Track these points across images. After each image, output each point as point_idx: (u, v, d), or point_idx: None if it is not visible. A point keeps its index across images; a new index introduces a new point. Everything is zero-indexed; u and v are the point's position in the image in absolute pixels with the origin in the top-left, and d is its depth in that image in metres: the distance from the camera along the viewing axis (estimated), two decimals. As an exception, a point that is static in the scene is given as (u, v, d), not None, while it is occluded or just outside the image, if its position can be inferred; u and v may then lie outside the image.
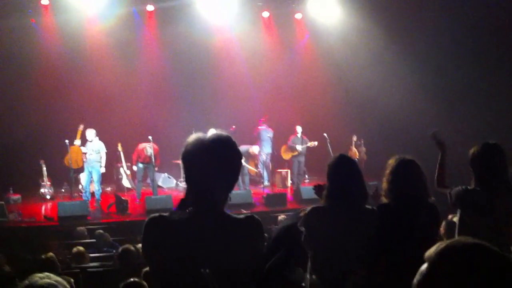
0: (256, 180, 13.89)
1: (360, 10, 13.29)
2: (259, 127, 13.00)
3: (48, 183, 11.72)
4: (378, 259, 3.23)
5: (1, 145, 11.70)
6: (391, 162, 3.50)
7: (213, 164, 1.95)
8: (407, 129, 12.26)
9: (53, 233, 9.04)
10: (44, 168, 11.56)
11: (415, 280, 1.20)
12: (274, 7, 14.33)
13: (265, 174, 12.88)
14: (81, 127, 11.07)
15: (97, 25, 13.15)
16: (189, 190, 2.01)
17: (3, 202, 10.02)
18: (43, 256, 5.29)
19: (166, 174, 13.63)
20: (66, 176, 11.78)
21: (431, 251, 1.19)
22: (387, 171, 3.48)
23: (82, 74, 13.16)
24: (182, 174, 2.06)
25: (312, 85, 14.86)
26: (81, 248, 6.65)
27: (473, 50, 12.14)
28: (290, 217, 3.92)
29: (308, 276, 3.33)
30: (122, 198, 10.73)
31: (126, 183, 12.59)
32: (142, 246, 2.05)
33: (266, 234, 2.49)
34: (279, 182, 13.74)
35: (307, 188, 10.88)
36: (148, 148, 11.31)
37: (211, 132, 2.03)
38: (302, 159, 13.23)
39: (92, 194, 11.33)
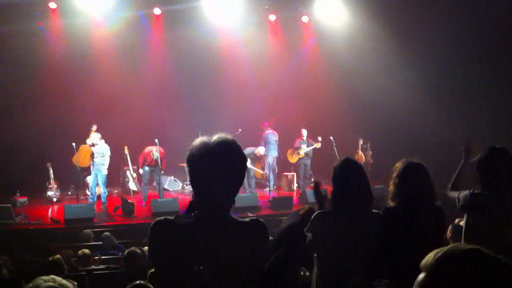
0: (262, 183, 13.89)
1: (366, 13, 13.26)
2: (266, 131, 13.01)
3: (55, 185, 11.78)
4: (382, 262, 3.23)
5: (8, 147, 11.75)
6: (398, 165, 3.50)
7: (218, 167, 1.95)
8: (414, 132, 12.24)
9: (59, 235, 9.09)
10: (51, 171, 11.61)
11: None
12: (280, 10, 14.31)
13: (271, 177, 12.87)
14: (95, 127, 11.16)
15: (104, 29, 13.23)
16: (194, 193, 2.01)
17: (10, 205, 10.08)
18: (50, 258, 5.30)
19: (172, 177, 13.64)
20: (72, 179, 11.82)
21: (428, 260, 1.19)
22: (394, 174, 3.48)
23: (88, 77, 13.22)
24: (188, 177, 2.06)
25: (318, 88, 14.83)
26: (86, 250, 6.66)
27: (475, 51, 12.17)
28: (290, 217, 3.92)
29: (314, 278, 3.33)
30: (128, 201, 10.76)
31: (132, 186, 12.63)
32: (148, 248, 2.06)
33: (271, 238, 2.48)
34: (285, 185, 13.73)
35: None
36: (155, 151, 11.35)
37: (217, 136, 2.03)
38: (308, 162, 13.20)
39: (99, 196, 11.38)
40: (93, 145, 11.14)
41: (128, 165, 12.30)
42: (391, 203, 3.50)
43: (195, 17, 13.37)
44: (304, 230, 3.29)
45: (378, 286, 3.20)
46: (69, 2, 12.41)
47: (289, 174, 13.80)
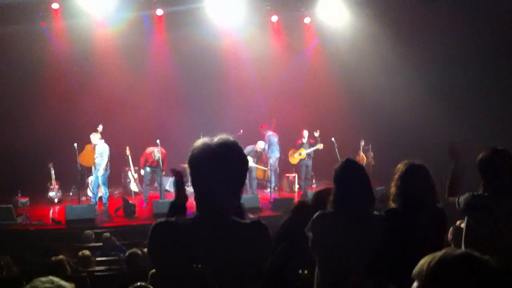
0: (263, 184, 13.89)
1: (368, 14, 13.28)
2: (268, 133, 13.01)
3: (56, 186, 11.78)
4: (382, 262, 3.22)
5: (10, 148, 11.77)
6: (400, 166, 3.49)
7: (218, 168, 1.95)
8: (416, 133, 12.22)
9: (60, 236, 9.09)
10: (53, 172, 11.62)
11: None
12: (282, 11, 14.31)
13: (272, 179, 12.86)
14: (100, 127, 11.15)
15: (106, 29, 13.24)
16: (195, 194, 2.01)
17: (11, 205, 10.09)
18: (53, 258, 5.30)
19: (173, 178, 13.60)
20: (74, 180, 11.82)
21: (421, 267, 1.20)
22: (396, 176, 3.47)
23: (91, 78, 13.24)
24: (189, 178, 2.07)
25: (320, 89, 14.83)
26: (86, 252, 6.64)
27: (476, 51, 12.19)
28: (283, 215, 3.94)
29: (315, 279, 3.32)
30: (130, 202, 10.76)
31: (133, 187, 12.63)
32: (148, 249, 2.06)
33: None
34: (286, 186, 13.73)
35: (314, 193, 10.82)
36: (156, 152, 11.36)
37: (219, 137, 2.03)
38: (310, 163, 13.18)
39: (100, 197, 11.38)
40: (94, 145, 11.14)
41: (129, 166, 12.31)
42: (392, 205, 3.49)
43: (197, 18, 13.36)
44: (305, 230, 3.28)
45: None
46: (72, 3, 12.41)
47: (291, 175, 13.80)
